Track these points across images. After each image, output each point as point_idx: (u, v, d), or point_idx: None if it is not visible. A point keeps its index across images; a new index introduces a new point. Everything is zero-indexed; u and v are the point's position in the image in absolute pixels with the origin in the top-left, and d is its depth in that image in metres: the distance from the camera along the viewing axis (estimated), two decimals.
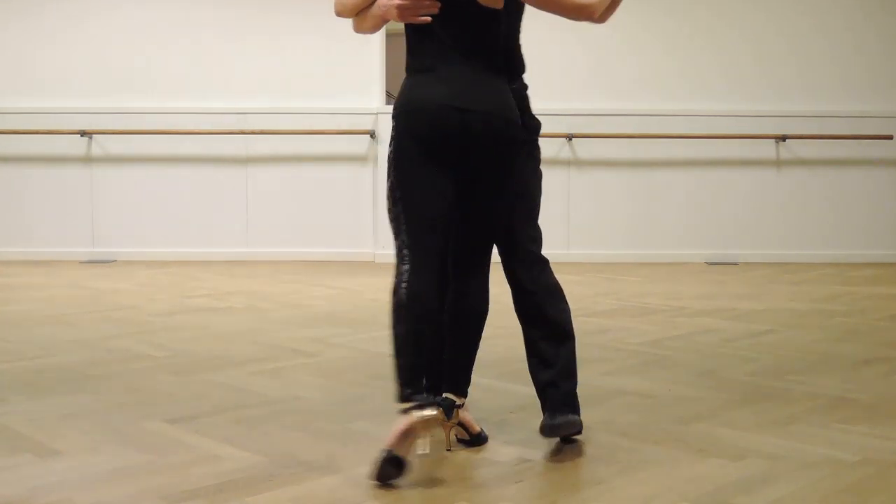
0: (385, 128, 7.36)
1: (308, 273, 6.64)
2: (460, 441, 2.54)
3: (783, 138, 7.46)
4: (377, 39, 7.40)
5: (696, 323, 4.56)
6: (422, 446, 2.28)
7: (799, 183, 7.57)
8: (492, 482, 2.27)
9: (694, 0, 7.54)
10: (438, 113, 2.33)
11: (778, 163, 7.56)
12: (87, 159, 7.48)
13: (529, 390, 3.18)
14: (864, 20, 7.57)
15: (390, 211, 2.39)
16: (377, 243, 7.44)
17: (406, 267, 2.32)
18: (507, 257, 2.59)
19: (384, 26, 2.55)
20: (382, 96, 7.52)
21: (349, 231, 7.53)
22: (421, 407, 2.23)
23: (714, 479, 2.28)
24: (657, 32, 7.51)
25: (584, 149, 7.38)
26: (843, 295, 5.60)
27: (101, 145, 7.48)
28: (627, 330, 4.34)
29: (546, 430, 2.48)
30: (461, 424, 2.53)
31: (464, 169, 2.38)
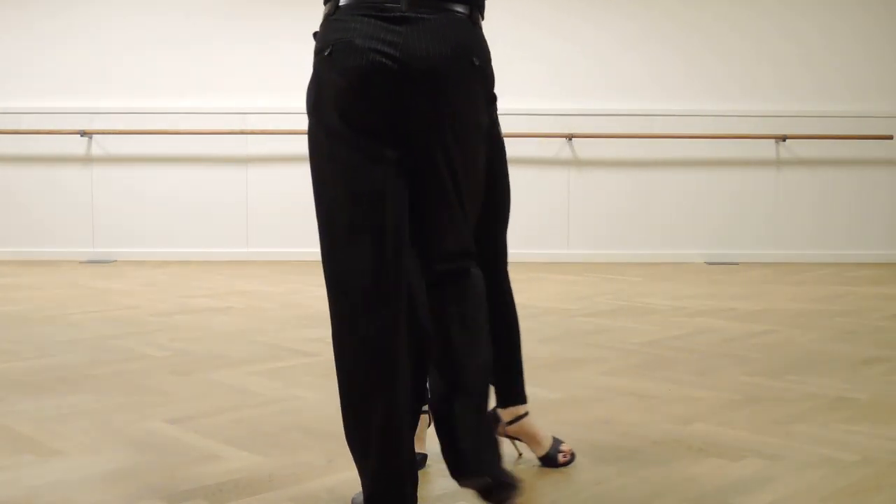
0: None
1: (308, 273, 6.63)
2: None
3: (783, 138, 7.46)
4: None
5: (696, 323, 4.56)
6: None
7: (799, 183, 7.58)
8: None
9: (694, 1, 7.55)
10: None
11: (778, 163, 7.56)
12: (87, 159, 7.48)
13: (530, 390, 3.17)
14: (865, 20, 7.57)
15: None
16: None
17: None
18: None
19: None
20: None
21: None
22: None
23: (714, 479, 2.28)
24: (657, 33, 7.51)
25: (584, 149, 7.38)
26: (843, 295, 5.60)
27: (101, 145, 7.47)
28: (627, 330, 4.34)
29: None
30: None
31: None
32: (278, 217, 7.46)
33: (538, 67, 7.40)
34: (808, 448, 2.53)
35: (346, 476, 2.29)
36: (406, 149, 1.82)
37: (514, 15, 7.45)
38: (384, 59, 1.78)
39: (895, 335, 4.31)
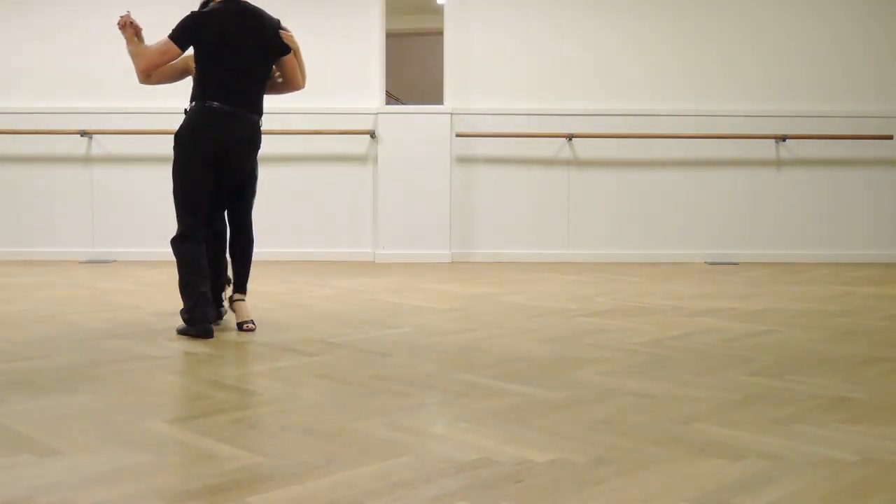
0: (386, 127, 7.36)
1: (308, 273, 6.63)
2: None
3: (783, 138, 7.46)
4: (377, 39, 7.40)
5: (696, 323, 4.56)
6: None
7: (798, 183, 7.58)
8: (492, 482, 2.26)
9: (693, 1, 7.55)
10: None
11: (778, 163, 7.56)
12: (87, 159, 7.48)
13: (530, 390, 3.18)
14: (865, 20, 7.57)
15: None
16: (377, 243, 7.44)
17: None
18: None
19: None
20: (382, 96, 7.52)
21: (349, 231, 7.53)
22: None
23: (714, 479, 2.28)
24: (657, 32, 7.52)
25: (584, 149, 7.38)
26: (843, 295, 5.60)
27: (101, 145, 7.47)
28: (627, 330, 4.34)
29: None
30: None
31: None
32: (278, 217, 7.46)
33: (538, 67, 7.40)
34: (808, 448, 2.53)
35: (347, 476, 2.29)
36: (227, 169, 4.29)
37: (515, 16, 7.45)
38: (228, 137, 4.23)
39: (895, 335, 4.31)
